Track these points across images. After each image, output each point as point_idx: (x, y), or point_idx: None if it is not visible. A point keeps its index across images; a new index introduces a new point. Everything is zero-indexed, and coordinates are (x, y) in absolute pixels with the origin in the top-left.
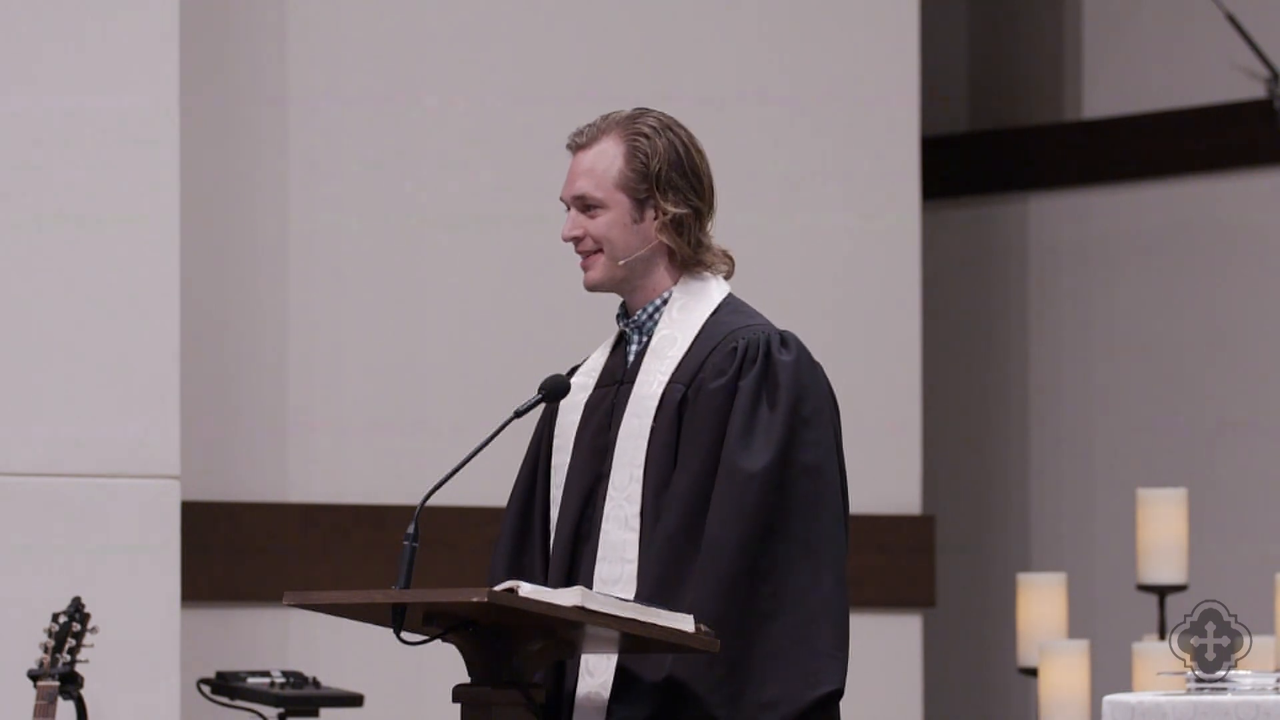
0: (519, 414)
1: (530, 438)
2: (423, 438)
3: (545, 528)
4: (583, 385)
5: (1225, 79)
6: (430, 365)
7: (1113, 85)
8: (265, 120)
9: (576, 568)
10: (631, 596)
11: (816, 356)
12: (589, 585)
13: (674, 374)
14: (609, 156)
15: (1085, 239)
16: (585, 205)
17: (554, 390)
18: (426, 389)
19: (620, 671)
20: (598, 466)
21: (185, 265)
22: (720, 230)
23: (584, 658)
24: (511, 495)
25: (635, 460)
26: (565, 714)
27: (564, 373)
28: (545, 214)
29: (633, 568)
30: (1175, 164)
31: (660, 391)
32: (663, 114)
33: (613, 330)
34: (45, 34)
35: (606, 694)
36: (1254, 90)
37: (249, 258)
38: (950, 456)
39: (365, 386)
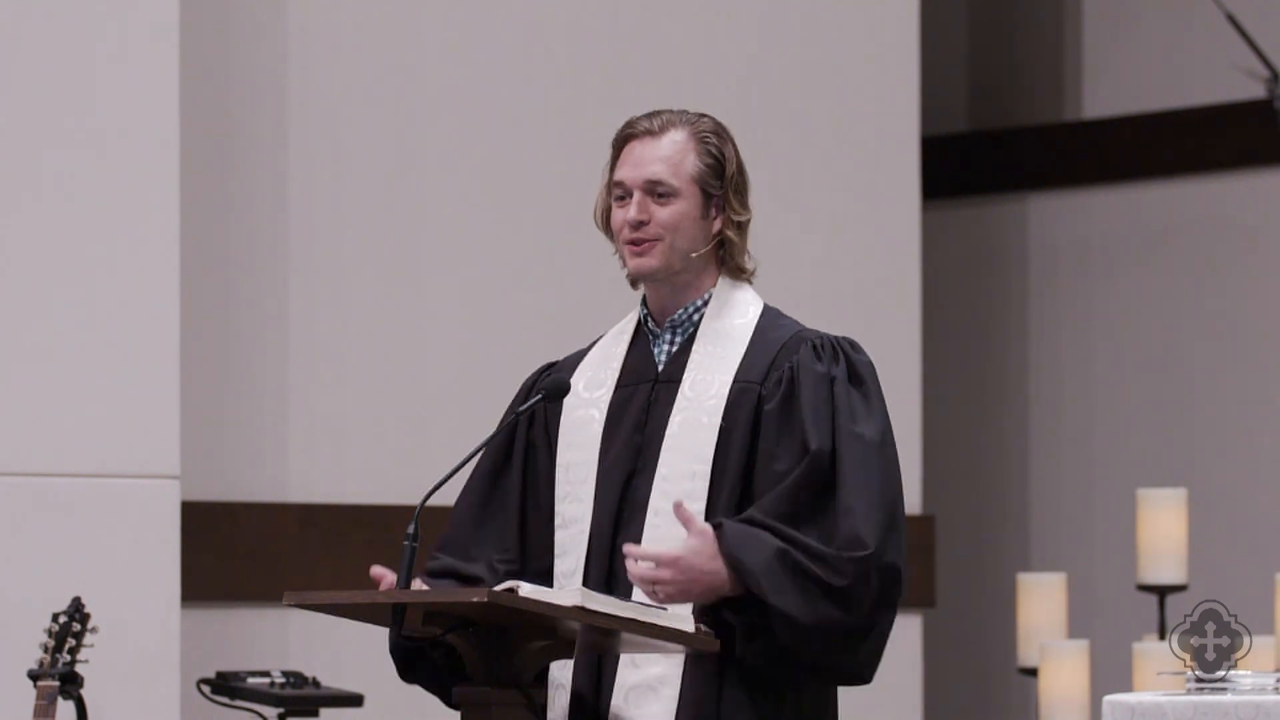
0: (520, 414)
1: (500, 428)
2: (423, 438)
3: (522, 515)
4: (600, 382)
5: (1225, 79)
6: (430, 366)
7: (1113, 85)
8: (265, 120)
9: (616, 566)
10: None
11: None
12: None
13: (738, 373)
14: (683, 149)
15: (1085, 239)
16: (656, 191)
17: (554, 390)
18: (426, 389)
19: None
20: (631, 463)
21: (185, 265)
22: None
23: (622, 657)
24: (470, 486)
25: (700, 456)
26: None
27: (540, 366)
28: (546, 214)
29: None
30: (1175, 164)
31: (726, 390)
32: (716, 120)
33: (602, 330)
34: (45, 35)
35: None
36: (1254, 90)
37: (249, 258)
38: (950, 456)
39: (365, 387)
